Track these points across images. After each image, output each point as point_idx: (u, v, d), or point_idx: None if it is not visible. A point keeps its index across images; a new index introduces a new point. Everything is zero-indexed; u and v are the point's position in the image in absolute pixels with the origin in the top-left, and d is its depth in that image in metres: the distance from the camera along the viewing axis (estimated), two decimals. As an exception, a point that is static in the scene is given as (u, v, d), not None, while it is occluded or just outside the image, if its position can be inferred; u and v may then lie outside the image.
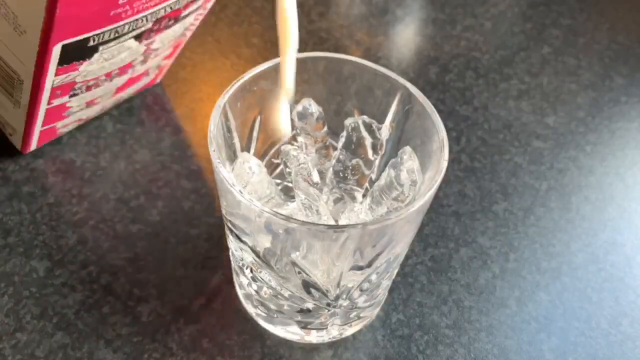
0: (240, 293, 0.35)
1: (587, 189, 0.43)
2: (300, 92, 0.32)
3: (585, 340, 0.35)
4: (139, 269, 0.36)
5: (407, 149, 0.30)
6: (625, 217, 0.42)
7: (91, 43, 0.31)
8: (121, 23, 0.31)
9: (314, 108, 0.31)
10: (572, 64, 0.52)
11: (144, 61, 0.38)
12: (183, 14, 0.36)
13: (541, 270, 0.38)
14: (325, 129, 0.32)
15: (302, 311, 0.31)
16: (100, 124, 0.44)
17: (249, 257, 0.29)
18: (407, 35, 0.54)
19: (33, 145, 0.40)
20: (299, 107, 0.31)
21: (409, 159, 0.29)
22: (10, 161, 0.41)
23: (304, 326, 0.32)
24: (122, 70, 0.37)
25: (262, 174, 0.29)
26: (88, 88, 0.36)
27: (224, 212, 0.30)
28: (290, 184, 0.31)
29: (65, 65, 0.32)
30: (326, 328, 0.33)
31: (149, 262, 0.37)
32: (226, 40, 0.51)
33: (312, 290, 0.29)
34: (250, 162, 0.29)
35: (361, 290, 0.30)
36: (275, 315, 0.32)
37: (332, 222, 0.29)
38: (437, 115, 0.28)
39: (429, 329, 0.35)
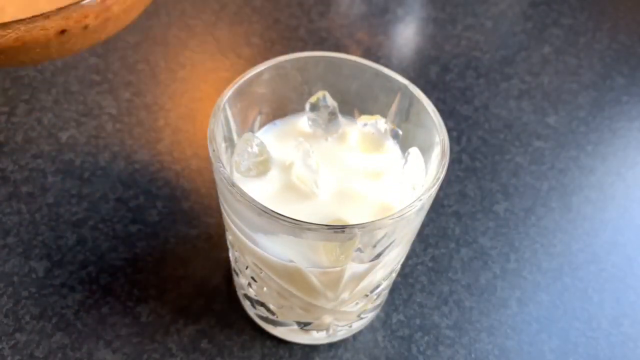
0: (239, 293, 0.35)
1: (588, 189, 0.43)
2: (300, 91, 0.31)
3: (586, 340, 0.35)
4: (139, 269, 0.36)
5: (415, 149, 0.30)
6: (626, 217, 0.42)
7: None
8: None
9: (329, 101, 0.31)
10: (573, 63, 0.52)
11: None
12: None
13: (542, 271, 0.38)
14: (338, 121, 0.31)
15: (301, 312, 0.31)
16: (100, 123, 0.44)
17: (248, 258, 0.29)
18: (407, 35, 0.54)
19: None
20: (313, 99, 0.31)
21: (415, 159, 0.29)
22: (9, 161, 0.41)
23: (304, 327, 0.32)
24: None
25: (266, 153, 0.29)
26: None
27: (223, 212, 0.30)
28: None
29: None
30: (326, 329, 0.32)
31: (149, 262, 0.37)
32: (226, 39, 0.51)
33: (312, 291, 0.29)
34: (252, 142, 0.29)
35: (361, 290, 0.30)
36: (275, 316, 0.32)
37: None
38: (438, 115, 0.28)
39: (430, 330, 0.35)
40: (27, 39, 0.31)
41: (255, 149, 0.29)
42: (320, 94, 0.31)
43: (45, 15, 0.31)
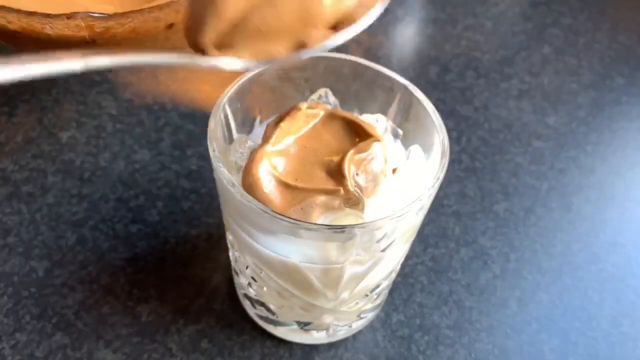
0: (240, 293, 0.35)
1: (588, 189, 0.43)
2: (301, 91, 0.31)
3: (586, 340, 0.35)
4: (139, 269, 0.36)
5: (416, 147, 0.30)
6: (626, 217, 0.42)
7: None
8: None
9: (331, 99, 0.31)
10: (572, 63, 0.52)
11: None
12: None
13: (542, 271, 0.38)
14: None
15: (301, 311, 0.31)
16: (100, 123, 0.44)
17: (249, 258, 0.29)
18: (407, 35, 0.54)
19: None
20: (315, 96, 0.31)
21: (416, 157, 0.29)
22: (9, 161, 0.41)
23: (304, 326, 0.32)
24: None
25: None
26: None
27: (223, 212, 0.30)
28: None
29: None
30: (326, 328, 0.32)
31: (149, 262, 0.37)
32: (226, 39, 0.51)
33: (312, 291, 0.29)
34: (245, 145, 0.29)
35: (361, 290, 0.30)
36: (275, 316, 0.32)
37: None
38: (438, 115, 0.28)
39: (430, 330, 0.35)
40: (140, 31, 0.34)
41: (246, 153, 0.29)
42: (322, 91, 0.31)
43: (159, 7, 0.33)
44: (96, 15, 0.32)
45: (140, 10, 0.33)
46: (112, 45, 0.34)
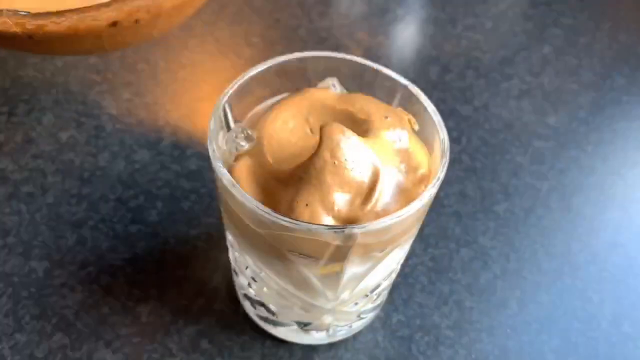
0: (239, 293, 0.35)
1: (588, 189, 0.43)
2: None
3: (587, 341, 0.35)
4: (139, 269, 0.36)
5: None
6: (626, 217, 0.42)
7: None
8: None
9: (338, 88, 0.31)
10: (573, 63, 0.52)
11: None
12: None
13: (542, 271, 0.38)
14: None
15: (301, 312, 0.31)
16: (100, 123, 0.44)
17: (248, 258, 0.29)
18: (407, 35, 0.54)
19: None
20: (322, 84, 0.31)
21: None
22: (9, 161, 0.41)
23: (304, 327, 0.32)
24: None
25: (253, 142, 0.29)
26: None
27: (223, 211, 0.30)
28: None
29: None
30: (326, 329, 0.32)
31: (149, 262, 0.37)
32: (226, 39, 0.51)
33: (312, 291, 0.29)
34: (241, 134, 0.29)
35: (361, 290, 0.30)
36: (275, 316, 0.32)
37: None
38: (438, 115, 0.28)
39: (430, 330, 0.35)
40: (80, 28, 0.32)
41: (244, 143, 0.28)
42: (329, 80, 0.31)
43: (96, 7, 0.32)
44: (22, 13, 0.31)
45: (75, 10, 0.32)
46: (52, 41, 0.33)
